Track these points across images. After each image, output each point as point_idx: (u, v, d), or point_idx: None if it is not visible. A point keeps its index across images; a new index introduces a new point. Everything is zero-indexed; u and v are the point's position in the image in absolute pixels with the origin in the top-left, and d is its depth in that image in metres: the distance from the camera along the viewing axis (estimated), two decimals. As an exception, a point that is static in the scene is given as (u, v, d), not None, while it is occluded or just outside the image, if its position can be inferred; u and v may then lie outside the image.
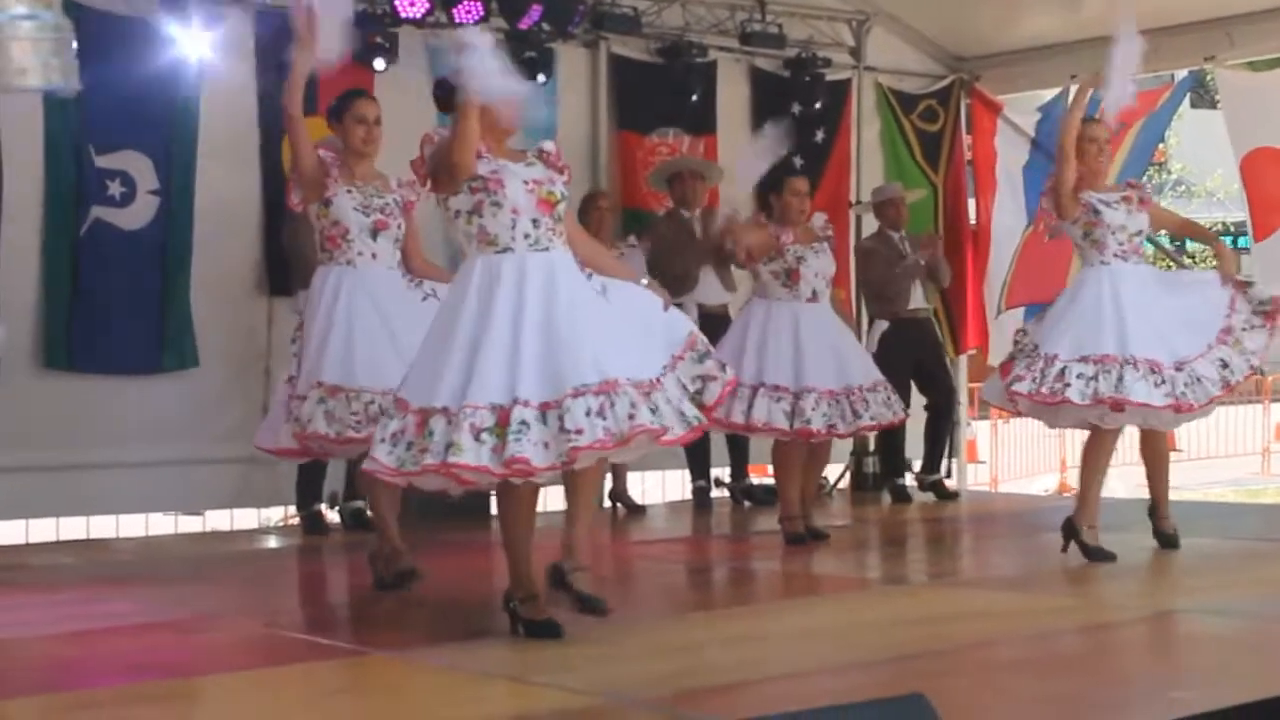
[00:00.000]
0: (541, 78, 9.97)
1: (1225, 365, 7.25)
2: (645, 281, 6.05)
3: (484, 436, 5.20)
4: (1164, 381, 7.10)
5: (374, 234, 6.61)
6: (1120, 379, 7.06)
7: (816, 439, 8.00)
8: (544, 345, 5.31)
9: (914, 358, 10.26)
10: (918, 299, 10.34)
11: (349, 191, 6.61)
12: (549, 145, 5.78)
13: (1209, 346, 7.26)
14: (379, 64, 9.44)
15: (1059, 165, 7.46)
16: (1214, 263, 7.98)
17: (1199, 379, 7.19)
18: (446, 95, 5.70)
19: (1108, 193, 7.51)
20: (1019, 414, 7.96)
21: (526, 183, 5.53)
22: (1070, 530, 7.42)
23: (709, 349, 5.67)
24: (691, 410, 5.46)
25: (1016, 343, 7.57)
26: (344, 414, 6.38)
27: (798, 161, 11.23)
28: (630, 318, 5.57)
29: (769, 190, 8.24)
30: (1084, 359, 7.14)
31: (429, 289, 6.63)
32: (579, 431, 5.16)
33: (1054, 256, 10.51)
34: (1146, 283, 7.45)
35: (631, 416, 5.23)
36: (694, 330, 5.71)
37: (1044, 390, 7.15)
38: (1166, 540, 7.61)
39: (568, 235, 5.67)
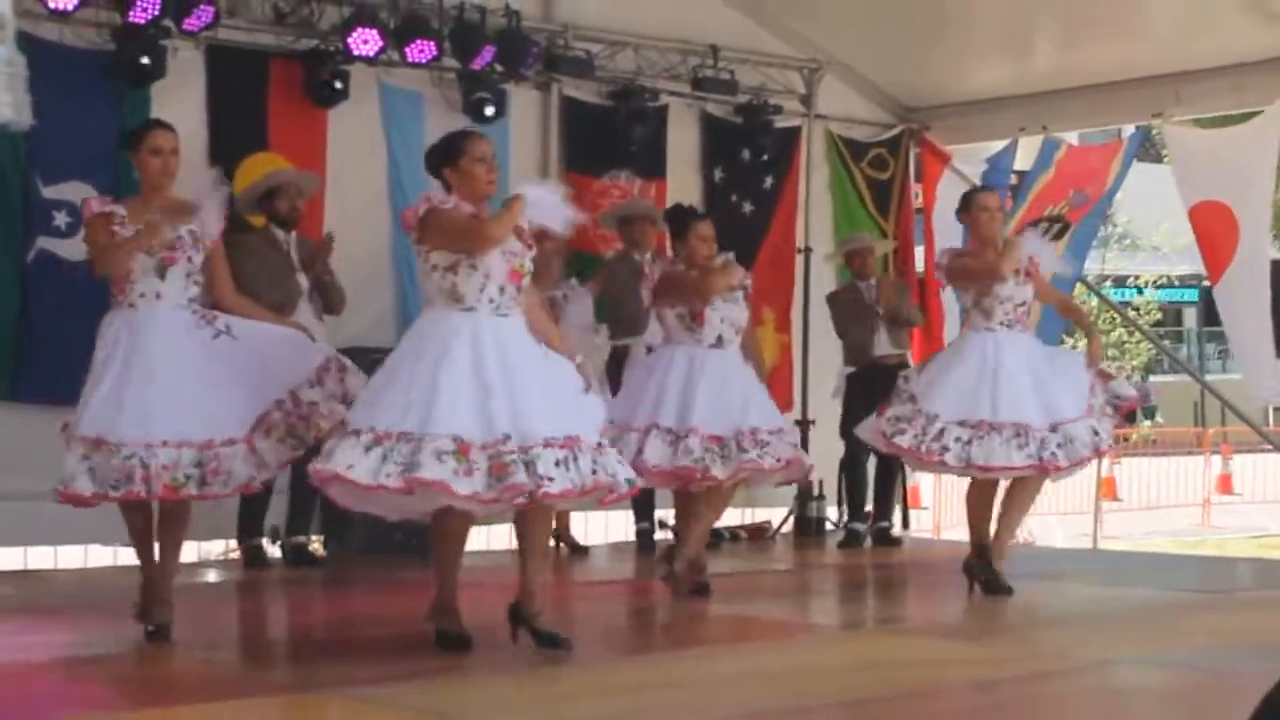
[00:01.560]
0: (491, 110, 10.02)
1: (1096, 433, 7.66)
2: (579, 360, 6.27)
3: (445, 458, 5.54)
4: (1028, 444, 7.51)
5: (160, 272, 6.23)
6: (988, 445, 7.50)
7: (694, 482, 7.70)
8: (508, 395, 5.69)
9: (876, 404, 10.30)
10: (884, 346, 10.35)
11: (136, 231, 6.28)
12: (523, 222, 6.02)
13: (1081, 415, 7.64)
14: (330, 110, 9.52)
15: (987, 275, 7.70)
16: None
17: (1072, 440, 7.58)
18: (435, 163, 6.06)
19: None
20: (890, 454, 8.25)
21: (505, 253, 5.89)
22: (969, 571, 7.81)
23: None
24: (626, 472, 5.93)
25: (897, 387, 7.90)
26: (105, 470, 5.98)
27: (747, 208, 11.34)
28: (569, 387, 5.99)
29: (674, 236, 8.04)
30: (962, 423, 7.56)
31: (222, 326, 6.30)
32: (550, 479, 5.59)
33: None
34: (1025, 352, 7.79)
35: (594, 472, 5.71)
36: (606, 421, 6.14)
37: (923, 449, 7.61)
38: (994, 588, 7.69)
39: (526, 304, 6.06)
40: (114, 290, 6.28)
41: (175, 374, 6.13)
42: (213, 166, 9.11)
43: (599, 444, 5.85)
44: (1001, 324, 7.72)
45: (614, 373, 9.52)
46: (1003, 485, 7.78)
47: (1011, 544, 8.21)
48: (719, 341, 7.77)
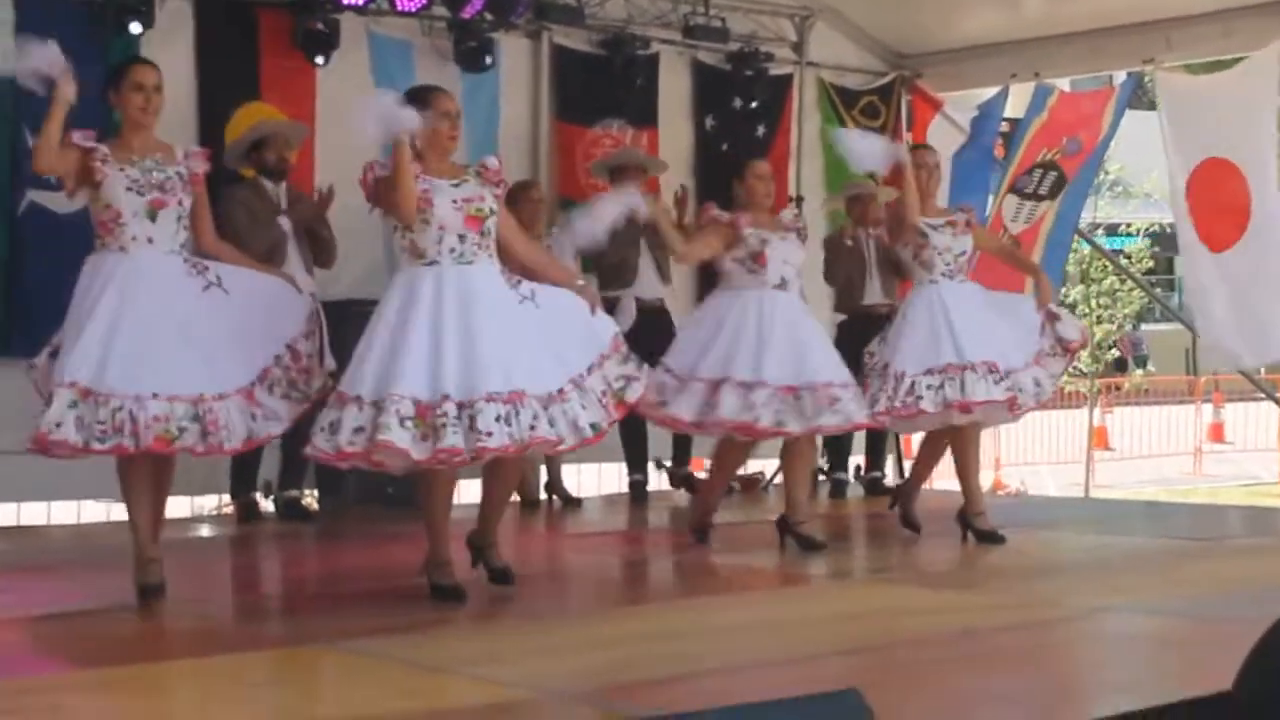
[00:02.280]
0: (489, 59, 9.99)
1: (1038, 384, 7.81)
2: (581, 282, 6.42)
3: (407, 424, 5.65)
4: (1003, 377, 7.64)
5: (151, 215, 6.02)
6: (963, 384, 7.55)
7: (764, 437, 7.60)
8: (460, 350, 5.77)
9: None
10: (875, 294, 10.30)
11: (121, 170, 6.03)
12: (491, 161, 6.20)
13: (1027, 365, 7.77)
14: (319, 60, 9.43)
15: (906, 209, 7.77)
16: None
17: (1020, 389, 7.72)
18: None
19: (936, 216, 7.92)
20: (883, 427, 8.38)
21: (455, 201, 5.98)
22: (965, 521, 7.87)
23: (631, 353, 6.28)
24: (587, 420, 6.00)
25: (865, 363, 7.91)
26: (92, 421, 5.75)
27: (739, 156, 11.28)
28: (554, 324, 6.09)
29: (731, 176, 7.83)
30: (929, 371, 7.62)
31: (212, 278, 6.10)
32: (489, 434, 5.67)
33: (1008, 270, 10.66)
34: (972, 298, 7.91)
35: (533, 428, 5.77)
36: (618, 334, 6.30)
37: (899, 405, 7.62)
38: (987, 537, 7.76)
39: (507, 239, 6.16)
40: (100, 233, 6.06)
41: (166, 325, 5.94)
42: (202, 117, 9.13)
43: (554, 392, 5.90)
44: (943, 275, 7.82)
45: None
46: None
47: (1003, 493, 8.25)
48: (782, 283, 7.60)
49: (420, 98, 6.09)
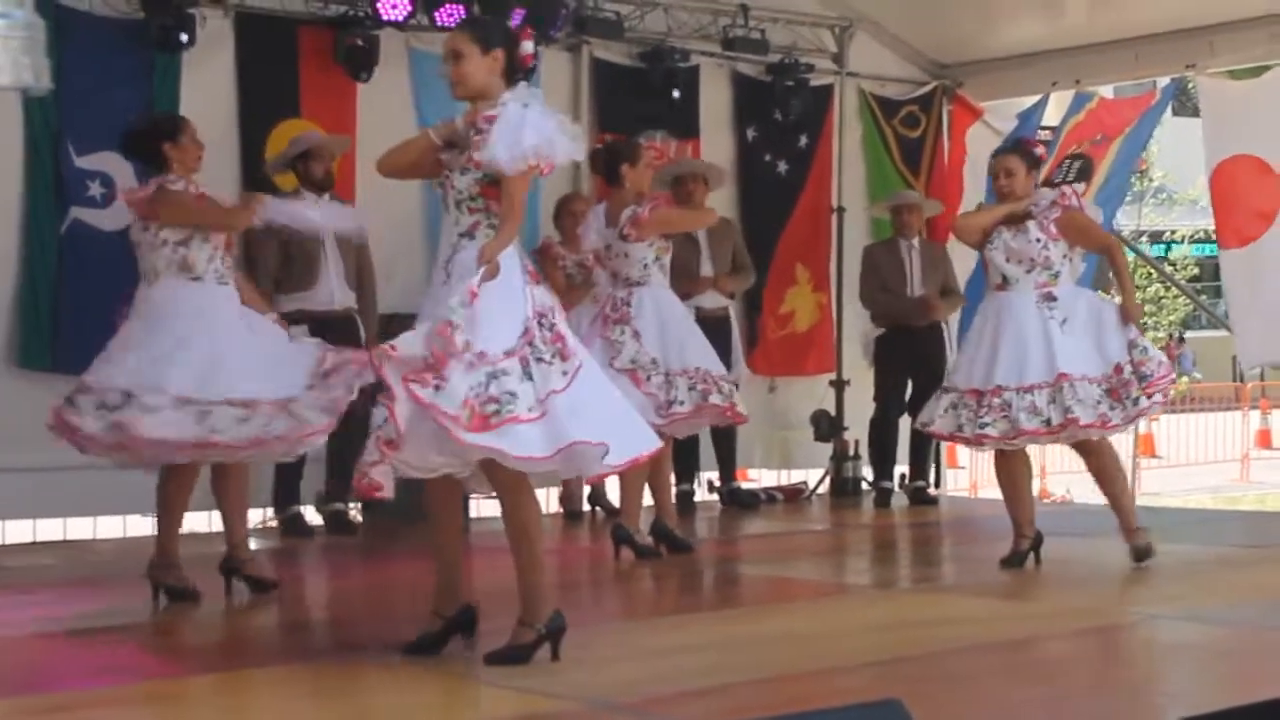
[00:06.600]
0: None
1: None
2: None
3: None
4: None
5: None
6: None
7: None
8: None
9: (908, 364, 10.20)
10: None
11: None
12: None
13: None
14: (361, 76, 9.46)
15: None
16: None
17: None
18: (156, 139, 6.84)
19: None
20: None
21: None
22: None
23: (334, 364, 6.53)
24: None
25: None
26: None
27: (781, 167, 11.28)
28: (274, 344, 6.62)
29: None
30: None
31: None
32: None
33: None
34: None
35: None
36: (319, 353, 6.58)
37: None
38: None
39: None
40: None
41: None
42: (243, 134, 9.17)
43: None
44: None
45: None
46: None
47: (1049, 501, 8.17)
48: (1004, 282, 7.29)
49: (176, 122, 6.94)
